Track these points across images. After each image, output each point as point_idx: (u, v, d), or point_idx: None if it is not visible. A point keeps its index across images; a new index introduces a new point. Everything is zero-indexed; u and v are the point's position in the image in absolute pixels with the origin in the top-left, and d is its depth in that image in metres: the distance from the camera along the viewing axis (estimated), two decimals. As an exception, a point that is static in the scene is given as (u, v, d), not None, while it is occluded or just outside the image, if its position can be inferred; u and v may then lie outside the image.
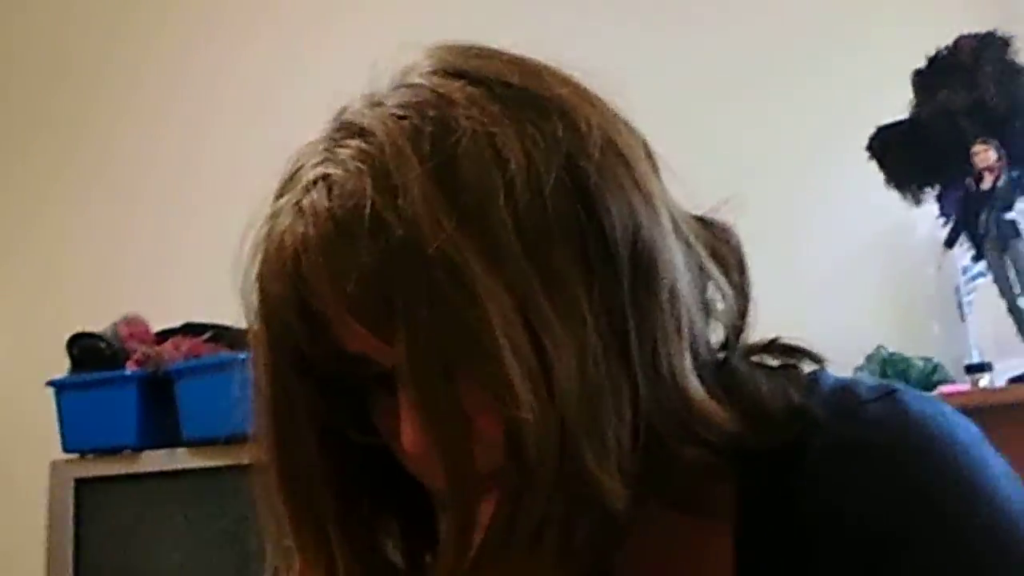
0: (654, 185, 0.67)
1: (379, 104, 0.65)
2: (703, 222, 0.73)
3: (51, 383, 2.52)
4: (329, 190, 0.62)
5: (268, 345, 0.66)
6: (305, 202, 0.63)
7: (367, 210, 0.60)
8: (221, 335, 2.45)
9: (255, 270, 0.66)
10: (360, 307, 0.61)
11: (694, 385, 0.65)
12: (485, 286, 0.59)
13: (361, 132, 0.64)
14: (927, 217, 2.42)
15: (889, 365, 2.41)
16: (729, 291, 0.71)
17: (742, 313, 0.72)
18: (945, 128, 2.17)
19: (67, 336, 2.51)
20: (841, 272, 2.57)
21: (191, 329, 2.50)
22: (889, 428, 0.66)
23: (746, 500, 0.69)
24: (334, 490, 0.69)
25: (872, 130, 2.26)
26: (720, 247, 0.73)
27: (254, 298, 0.66)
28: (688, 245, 0.69)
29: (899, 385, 0.70)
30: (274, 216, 0.66)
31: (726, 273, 0.72)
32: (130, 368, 2.46)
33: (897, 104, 2.28)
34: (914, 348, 2.46)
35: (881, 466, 0.65)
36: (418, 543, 0.73)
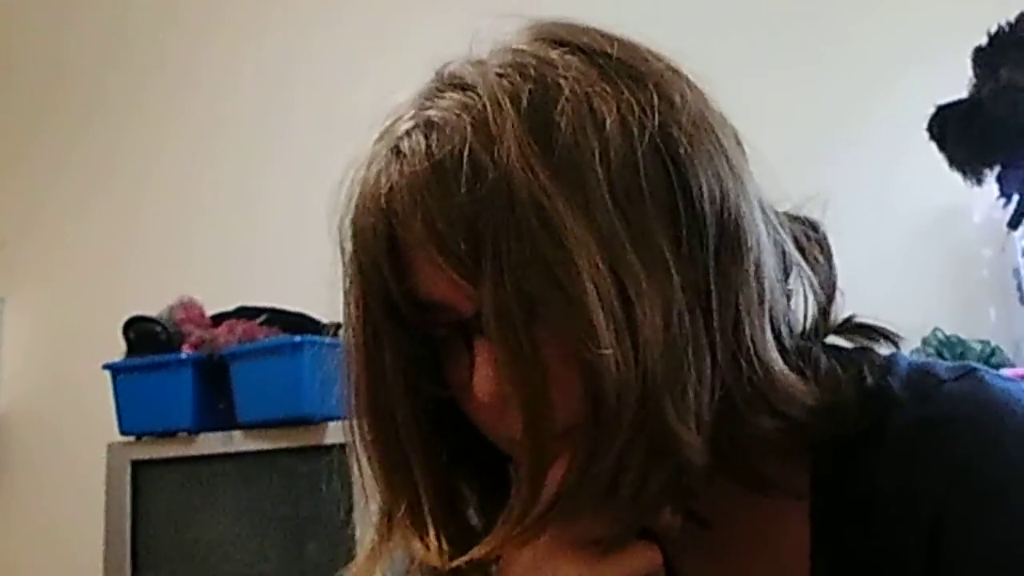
0: (743, 164, 0.68)
1: (480, 63, 0.67)
2: (791, 217, 0.74)
3: (107, 366, 2.55)
4: (427, 134, 0.64)
5: (358, 284, 0.68)
6: (403, 145, 0.65)
7: (464, 153, 0.62)
8: (275, 318, 2.46)
9: (350, 214, 0.68)
10: (449, 246, 0.62)
11: (774, 357, 0.66)
12: (574, 233, 0.60)
13: (463, 86, 0.66)
14: (984, 198, 2.38)
15: (946, 348, 2.38)
16: (815, 281, 0.72)
17: (826, 304, 0.73)
18: (1006, 106, 2.13)
19: (123, 320, 2.54)
20: (897, 255, 2.54)
21: (245, 312, 2.52)
22: (969, 406, 0.66)
23: (821, 479, 0.69)
24: (420, 439, 0.70)
25: (931, 109, 2.22)
26: (806, 239, 0.74)
27: (348, 240, 0.68)
28: (774, 229, 0.70)
29: (978, 365, 0.70)
30: (371, 159, 0.67)
31: (812, 265, 0.73)
32: (185, 351, 2.48)
33: (957, 83, 2.24)
34: (970, 331, 2.43)
35: (961, 444, 0.65)
36: (494, 508, 0.73)
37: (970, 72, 2.23)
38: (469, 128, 0.62)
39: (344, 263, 0.69)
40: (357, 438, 0.72)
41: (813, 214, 0.77)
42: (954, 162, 2.23)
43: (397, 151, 0.65)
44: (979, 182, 2.27)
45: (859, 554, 0.68)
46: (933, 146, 2.23)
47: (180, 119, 3.19)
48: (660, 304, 0.61)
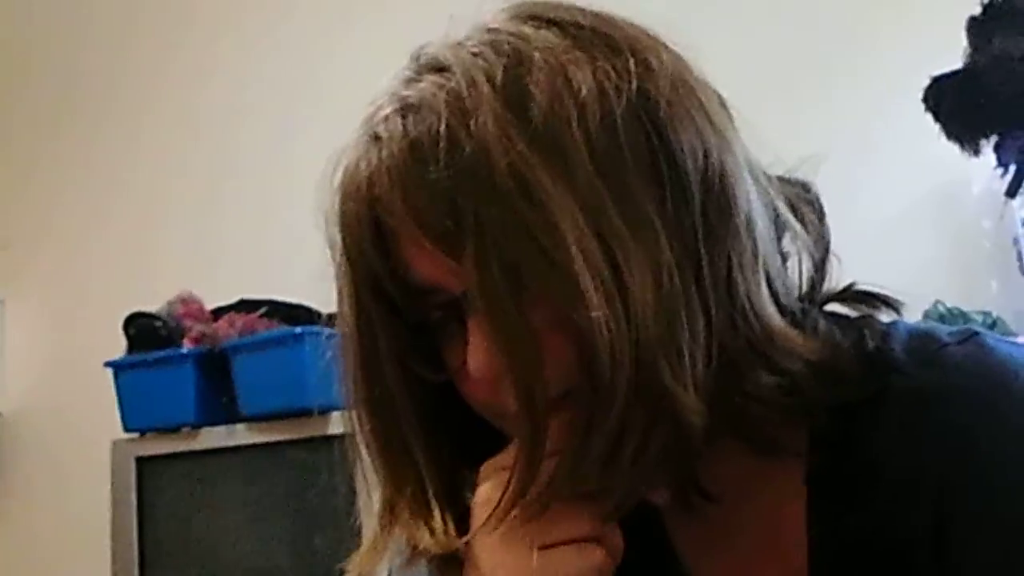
0: (726, 123, 0.68)
1: (456, 44, 0.67)
2: (782, 180, 0.73)
3: (109, 364, 2.55)
4: (403, 117, 0.64)
5: (348, 273, 0.68)
6: (381, 129, 0.65)
7: (439, 129, 0.61)
8: (276, 310, 2.46)
9: (335, 203, 0.68)
10: (431, 223, 0.62)
11: (771, 312, 0.66)
12: (555, 200, 0.60)
13: (438, 68, 0.66)
14: (983, 169, 2.38)
15: (948, 320, 2.38)
16: (808, 241, 0.71)
17: (820, 264, 0.72)
18: (1001, 75, 2.12)
19: (123, 317, 2.53)
20: (896, 227, 2.54)
21: (245, 305, 2.52)
22: (971, 371, 0.65)
23: (818, 442, 0.69)
24: (419, 424, 0.70)
25: (926, 80, 2.21)
26: (798, 200, 0.73)
27: (334, 229, 0.68)
28: (764, 189, 0.69)
29: (980, 328, 0.69)
30: (352, 146, 0.68)
31: (804, 225, 0.72)
32: (186, 346, 2.48)
33: (951, 53, 2.23)
34: (972, 303, 2.42)
35: (962, 410, 0.64)
36: None
37: (965, 42, 2.23)
38: (444, 105, 0.62)
39: (332, 253, 0.69)
40: (357, 428, 0.72)
41: (807, 177, 0.76)
42: (951, 133, 2.22)
43: (375, 136, 0.65)
44: (976, 152, 2.27)
45: (857, 527, 0.67)
46: (929, 117, 2.23)
47: (177, 115, 3.18)
48: (648, 264, 0.61)
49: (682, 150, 0.63)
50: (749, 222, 0.65)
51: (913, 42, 2.50)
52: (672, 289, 0.61)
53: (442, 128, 0.61)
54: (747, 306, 0.64)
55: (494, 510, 0.64)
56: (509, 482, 0.63)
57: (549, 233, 0.59)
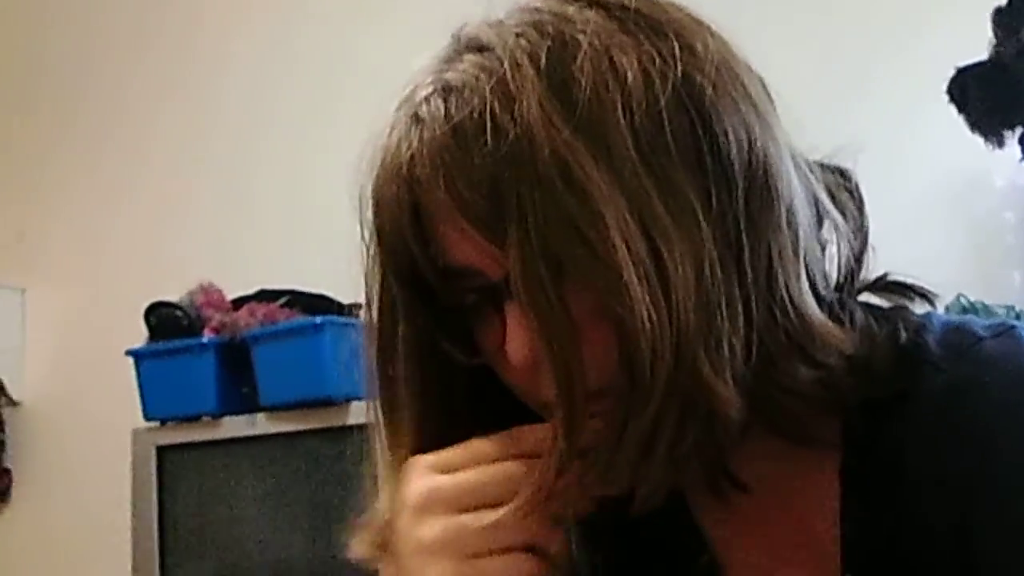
0: (769, 109, 0.67)
1: (498, 23, 0.66)
2: (821, 166, 0.72)
3: (130, 352, 2.56)
4: (445, 98, 0.63)
5: (380, 257, 0.67)
6: (422, 111, 0.64)
7: (484, 115, 0.61)
8: (296, 300, 2.47)
9: (371, 183, 0.67)
10: (473, 209, 0.61)
11: (811, 305, 0.65)
12: (600, 190, 0.59)
13: (480, 48, 0.65)
14: (1007, 161, 2.36)
15: (970, 314, 2.36)
16: (847, 231, 0.70)
17: (859, 255, 0.72)
18: (1027, 67, 2.11)
19: (144, 306, 2.54)
20: (918, 220, 2.52)
21: (266, 295, 2.52)
22: (1005, 366, 0.65)
23: (850, 435, 0.68)
24: (430, 417, 0.69)
25: (950, 71, 2.20)
26: (838, 188, 0.72)
27: (369, 209, 0.67)
28: (805, 177, 0.68)
29: (1017, 322, 0.68)
30: (391, 127, 0.66)
31: (843, 214, 0.71)
32: (207, 336, 2.49)
33: (977, 44, 2.21)
34: (995, 297, 2.40)
35: (995, 406, 0.64)
36: None
37: (990, 33, 2.21)
38: (487, 89, 0.61)
39: (364, 234, 0.69)
40: (379, 418, 0.71)
41: (844, 164, 0.75)
42: (975, 125, 2.21)
43: (416, 117, 0.64)
44: (1000, 145, 2.25)
45: (890, 521, 0.66)
46: (953, 109, 2.21)
47: (196, 106, 3.19)
48: (691, 256, 0.60)
49: (727, 139, 0.62)
50: (791, 212, 0.65)
51: (937, 33, 2.47)
52: (713, 281, 0.61)
53: (487, 113, 0.61)
54: (786, 298, 0.63)
55: (524, 498, 0.63)
56: (540, 472, 0.63)
57: (593, 224, 0.59)
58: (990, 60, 2.19)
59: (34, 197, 3.37)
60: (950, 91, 2.20)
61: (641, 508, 0.65)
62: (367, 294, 0.70)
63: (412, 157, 0.63)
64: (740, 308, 0.62)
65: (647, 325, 0.59)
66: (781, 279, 0.63)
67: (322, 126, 2.83)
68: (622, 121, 0.60)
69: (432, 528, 0.65)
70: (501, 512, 0.64)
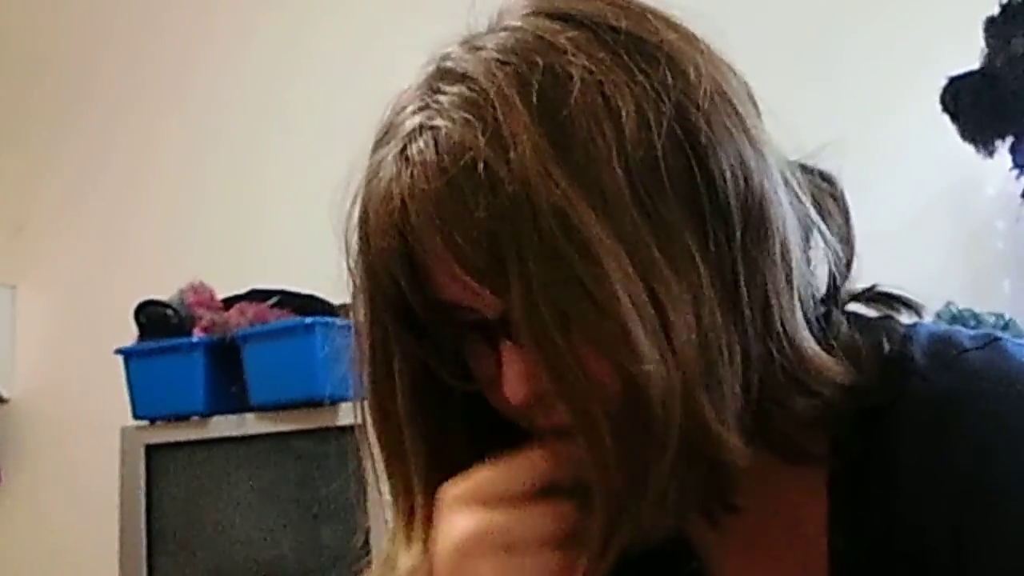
0: (761, 134, 0.66)
1: (479, 48, 0.64)
2: (805, 169, 0.72)
3: (120, 351, 2.56)
4: (436, 141, 0.61)
5: (369, 294, 0.66)
6: (411, 151, 0.62)
7: (478, 165, 0.59)
8: (287, 300, 2.46)
9: (356, 217, 0.66)
10: (471, 260, 0.61)
11: (806, 338, 0.65)
12: (601, 241, 0.58)
13: (463, 78, 0.63)
14: (997, 170, 2.37)
15: (959, 322, 2.36)
16: (834, 241, 0.70)
17: (847, 264, 0.71)
18: (1019, 77, 2.11)
19: (134, 304, 2.54)
20: (909, 228, 2.52)
21: (257, 295, 2.52)
22: (990, 377, 0.65)
23: (838, 447, 0.68)
24: (429, 441, 0.69)
25: (942, 81, 2.20)
26: (823, 196, 0.72)
27: (356, 245, 0.66)
28: (795, 196, 0.68)
29: (1002, 334, 0.68)
30: (378, 164, 0.65)
31: (829, 223, 0.71)
32: (197, 335, 2.49)
33: (968, 53, 2.22)
34: (984, 305, 2.41)
35: (981, 417, 0.63)
36: None
37: (982, 43, 2.22)
38: (479, 134, 0.60)
39: (350, 266, 0.68)
40: (380, 448, 0.71)
41: (828, 166, 0.74)
42: (967, 134, 2.21)
43: (405, 157, 0.62)
44: (990, 154, 2.26)
45: (878, 533, 0.67)
46: (945, 118, 2.22)
47: (187, 103, 3.18)
48: (691, 303, 0.60)
49: (723, 178, 0.61)
50: (784, 246, 0.64)
51: (928, 42, 2.48)
52: (713, 325, 0.60)
53: (480, 164, 0.59)
54: (782, 333, 0.63)
55: (593, 550, 0.63)
56: (595, 521, 0.62)
57: (595, 278, 0.58)
58: (982, 69, 2.19)
59: (30, 193, 3.37)
60: (943, 100, 2.20)
61: (644, 545, 0.65)
62: (356, 327, 0.69)
63: (404, 205, 0.62)
64: (739, 348, 0.61)
65: (658, 380, 0.58)
66: (777, 315, 0.63)
67: (315, 128, 2.83)
68: (618, 169, 0.59)
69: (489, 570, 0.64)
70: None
